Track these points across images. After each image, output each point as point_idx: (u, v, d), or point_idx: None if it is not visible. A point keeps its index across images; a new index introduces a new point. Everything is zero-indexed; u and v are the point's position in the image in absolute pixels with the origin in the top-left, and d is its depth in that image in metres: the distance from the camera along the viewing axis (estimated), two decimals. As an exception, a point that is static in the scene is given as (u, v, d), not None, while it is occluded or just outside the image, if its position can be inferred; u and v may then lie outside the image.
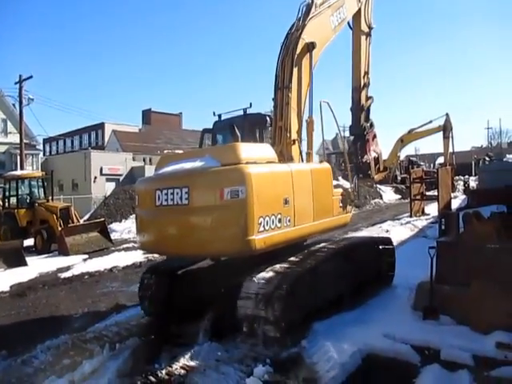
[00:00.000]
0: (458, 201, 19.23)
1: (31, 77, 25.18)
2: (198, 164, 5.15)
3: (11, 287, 9.14)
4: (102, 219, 16.11)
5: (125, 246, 14.53)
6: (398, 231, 13.20)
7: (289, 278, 4.96)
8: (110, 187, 31.09)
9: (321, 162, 6.66)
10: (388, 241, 7.45)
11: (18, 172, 18.19)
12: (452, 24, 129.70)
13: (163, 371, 4.45)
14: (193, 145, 44.70)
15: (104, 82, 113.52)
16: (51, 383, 4.20)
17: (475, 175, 30.83)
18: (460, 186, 28.16)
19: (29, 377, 4.59)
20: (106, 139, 50.72)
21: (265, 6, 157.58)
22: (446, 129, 22.43)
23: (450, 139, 22.53)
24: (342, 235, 7.74)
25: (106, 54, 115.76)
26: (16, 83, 25.10)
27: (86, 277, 9.93)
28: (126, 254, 12.80)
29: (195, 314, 5.72)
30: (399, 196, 30.86)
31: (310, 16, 6.66)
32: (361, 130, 9.17)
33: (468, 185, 25.38)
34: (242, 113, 6.60)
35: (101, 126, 50.83)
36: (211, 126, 7.31)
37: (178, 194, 5.06)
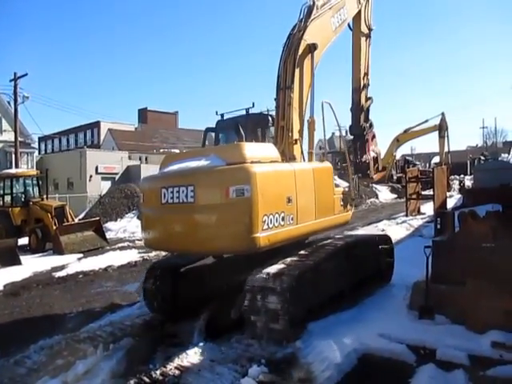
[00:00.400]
0: (453, 200, 19.24)
1: (26, 74, 25.00)
2: (203, 163, 5.27)
3: (5, 286, 9.08)
4: (97, 218, 16.01)
5: (120, 245, 14.47)
6: (393, 230, 13.17)
7: (300, 266, 5.16)
8: (106, 186, 30.91)
9: (322, 161, 6.70)
10: (387, 238, 7.61)
11: (13, 170, 18.11)
12: (448, 23, 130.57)
13: (157, 372, 4.41)
14: (188, 144, 44.69)
15: (100, 80, 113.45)
16: (44, 384, 4.15)
17: (470, 174, 30.95)
18: (455, 185, 28.24)
19: (21, 377, 4.54)
20: (102, 138, 50.51)
21: (262, 5, 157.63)
22: (442, 128, 22.52)
23: (446, 138, 22.62)
24: (338, 234, 7.72)
25: (102, 52, 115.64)
26: (11, 81, 24.92)
27: (81, 276, 9.87)
28: (121, 253, 12.75)
29: (191, 313, 5.75)
30: (395, 195, 30.88)
31: (311, 17, 6.72)
32: (360, 130, 9.28)
33: (463, 184, 25.49)
34: (244, 112, 6.69)
35: (96, 124, 50.64)
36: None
37: (183, 192, 5.17)
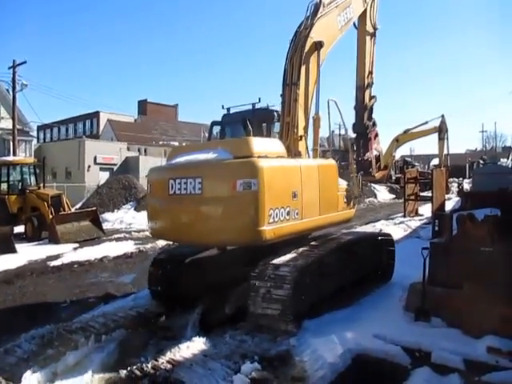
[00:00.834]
0: (451, 202, 19.25)
1: (25, 62, 24.74)
2: (211, 156, 5.36)
3: (-1, 274, 8.99)
4: (94, 208, 15.92)
5: (116, 236, 14.42)
6: (391, 231, 13.07)
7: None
8: (104, 176, 30.80)
9: (327, 158, 6.74)
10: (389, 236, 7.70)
11: (10, 158, 17.97)
12: (449, 25, 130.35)
13: (149, 365, 4.34)
14: (188, 137, 44.56)
15: (101, 72, 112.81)
16: (33, 374, 4.08)
17: (469, 178, 30.98)
18: (454, 187, 28.26)
19: (10, 366, 4.47)
20: (101, 128, 50.27)
21: (264, 0, 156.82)
22: (442, 130, 22.40)
23: (445, 141, 22.54)
24: (337, 232, 7.70)
25: (103, 44, 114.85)
26: (9, 68, 24.72)
27: (76, 266, 9.81)
28: (117, 244, 12.71)
29: (191, 303, 5.83)
30: (393, 195, 30.92)
31: (318, 15, 6.77)
32: (364, 129, 9.35)
33: (462, 187, 25.46)
34: (250, 107, 6.79)
35: (96, 114, 50.38)
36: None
37: (191, 183, 5.26)
